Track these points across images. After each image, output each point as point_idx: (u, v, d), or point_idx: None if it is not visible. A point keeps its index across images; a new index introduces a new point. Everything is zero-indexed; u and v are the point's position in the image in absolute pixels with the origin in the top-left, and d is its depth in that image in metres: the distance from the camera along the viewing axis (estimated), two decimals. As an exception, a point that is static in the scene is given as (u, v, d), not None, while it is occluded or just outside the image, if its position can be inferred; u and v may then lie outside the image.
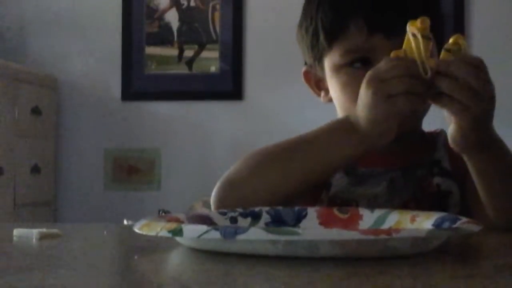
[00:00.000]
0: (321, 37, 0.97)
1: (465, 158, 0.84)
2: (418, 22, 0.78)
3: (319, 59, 1.00)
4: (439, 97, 0.77)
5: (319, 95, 1.05)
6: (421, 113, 0.97)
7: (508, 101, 2.77)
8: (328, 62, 0.98)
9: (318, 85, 1.04)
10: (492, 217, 0.85)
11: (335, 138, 0.86)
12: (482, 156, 0.82)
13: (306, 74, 1.05)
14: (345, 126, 0.85)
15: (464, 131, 0.78)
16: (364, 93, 0.80)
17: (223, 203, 0.88)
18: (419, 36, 0.78)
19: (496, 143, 0.83)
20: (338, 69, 0.97)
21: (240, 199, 0.86)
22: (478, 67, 0.76)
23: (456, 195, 0.95)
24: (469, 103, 0.75)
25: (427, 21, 0.78)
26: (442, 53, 0.78)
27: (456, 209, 0.94)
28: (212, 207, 0.90)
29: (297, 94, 2.89)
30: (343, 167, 0.95)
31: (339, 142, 0.85)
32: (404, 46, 0.80)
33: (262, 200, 0.84)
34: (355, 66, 0.95)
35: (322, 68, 1.00)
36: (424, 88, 0.77)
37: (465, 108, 0.76)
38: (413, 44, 0.78)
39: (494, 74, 0.80)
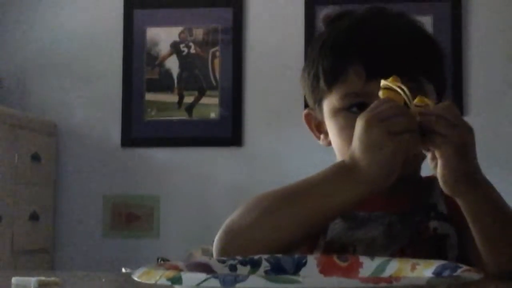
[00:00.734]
0: (321, 80, 0.99)
1: (459, 201, 0.84)
2: (390, 80, 0.83)
3: (319, 102, 1.02)
4: (422, 138, 0.81)
5: (319, 138, 1.06)
6: (422, 157, 0.97)
7: (507, 148, 2.79)
8: (327, 105, 1.00)
9: (319, 128, 1.05)
10: (487, 263, 0.85)
11: (336, 183, 0.86)
12: (473, 197, 0.83)
13: (307, 117, 1.07)
14: (343, 170, 0.85)
15: (450, 164, 0.80)
16: (365, 135, 0.81)
17: (226, 251, 0.88)
18: (403, 86, 0.82)
19: (486, 185, 0.85)
20: (336, 112, 0.98)
21: (242, 247, 0.86)
22: (451, 107, 0.81)
23: (453, 238, 0.95)
24: (448, 132, 0.79)
25: (398, 79, 0.83)
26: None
27: (454, 252, 0.94)
28: (214, 254, 0.90)
29: (296, 140, 2.91)
30: (345, 212, 0.95)
31: (340, 188, 0.86)
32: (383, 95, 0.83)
33: (264, 247, 0.83)
34: (352, 110, 0.96)
35: (322, 111, 1.02)
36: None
37: (445, 139, 0.79)
38: (403, 94, 0.81)
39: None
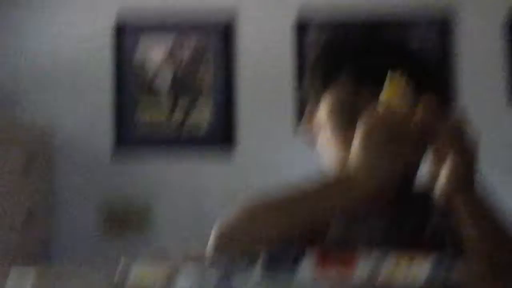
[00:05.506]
0: (316, 84, 1.03)
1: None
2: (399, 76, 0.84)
3: (315, 102, 1.04)
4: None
5: (312, 143, 1.07)
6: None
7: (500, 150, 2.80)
8: (320, 112, 1.03)
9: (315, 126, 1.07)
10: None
11: (330, 195, 0.87)
12: (463, 214, 0.85)
13: (309, 118, 1.09)
14: (341, 187, 0.86)
15: (454, 175, 0.82)
16: (366, 140, 0.83)
17: (219, 253, 0.88)
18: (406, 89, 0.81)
19: (479, 207, 0.86)
20: (328, 118, 1.01)
21: (232, 252, 0.87)
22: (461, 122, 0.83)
23: (450, 237, 0.96)
24: (458, 147, 0.82)
25: (401, 79, 0.84)
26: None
27: (450, 251, 0.95)
28: (208, 254, 0.90)
29: (290, 145, 2.91)
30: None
31: (333, 201, 0.87)
32: (386, 97, 0.83)
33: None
34: (344, 116, 0.99)
35: (318, 111, 1.04)
36: None
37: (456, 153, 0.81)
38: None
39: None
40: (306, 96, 1.07)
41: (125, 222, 3.04)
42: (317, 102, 1.04)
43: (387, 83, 0.84)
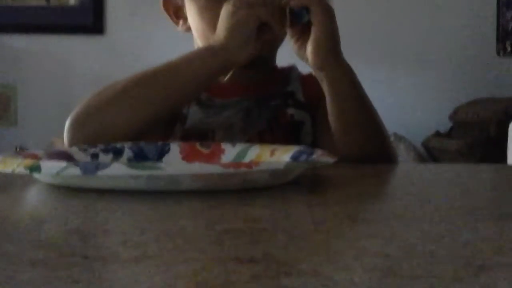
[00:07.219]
0: None
1: (324, 78, 0.88)
2: None
3: None
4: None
5: (177, 24, 1.05)
6: (278, 41, 0.99)
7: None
8: None
9: (177, 14, 1.04)
10: (340, 148, 0.89)
11: (195, 62, 0.87)
12: (339, 73, 0.87)
13: (165, 3, 1.05)
14: (204, 50, 0.88)
15: (324, 34, 0.84)
16: (230, 16, 0.85)
17: (78, 138, 0.85)
18: None
19: (349, 66, 0.89)
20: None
21: (90, 135, 0.84)
22: None
23: (308, 125, 0.99)
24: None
25: None
26: None
27: (308, 139, 0.99)
28: (66, 145, 0.87)
29: (161, 29, 2.85)
30: (200, 93, 0.96)
31: (198, 65, 0.87)
32: None
33: (119, 130, 0.83)
34: None
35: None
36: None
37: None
38: None
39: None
40: None
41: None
42: None
43: None
